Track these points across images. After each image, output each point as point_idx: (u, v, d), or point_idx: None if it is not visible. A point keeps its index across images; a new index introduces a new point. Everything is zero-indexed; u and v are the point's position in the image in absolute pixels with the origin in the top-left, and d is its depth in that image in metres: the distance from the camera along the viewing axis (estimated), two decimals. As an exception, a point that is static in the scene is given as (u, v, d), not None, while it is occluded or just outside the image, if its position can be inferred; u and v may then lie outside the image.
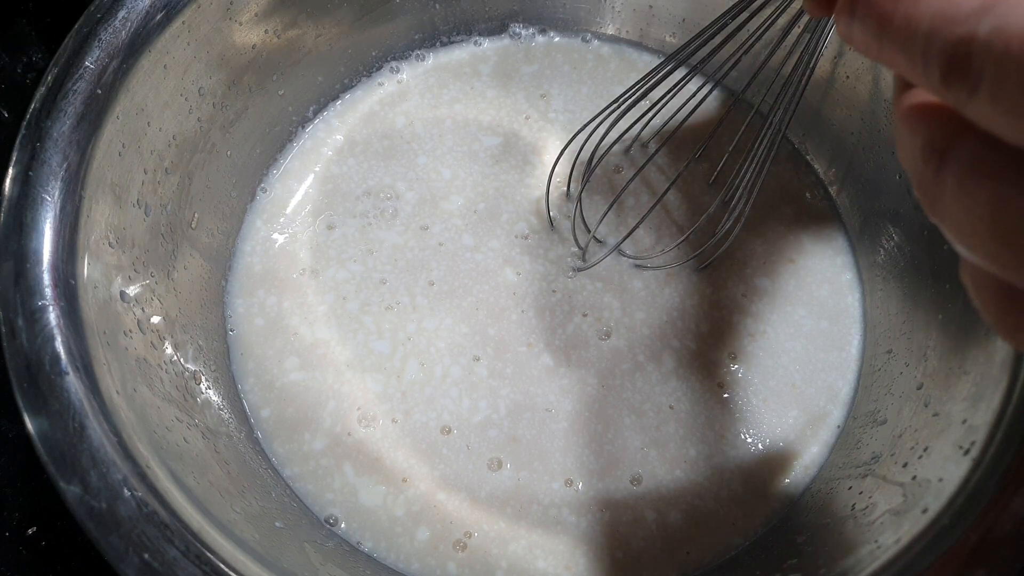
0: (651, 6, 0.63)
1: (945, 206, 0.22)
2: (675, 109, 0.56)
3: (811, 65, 0.51)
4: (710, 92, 0.55)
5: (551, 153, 0.60)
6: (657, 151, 0.56)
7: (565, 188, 0.59)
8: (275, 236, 0.57)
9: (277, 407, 0.52)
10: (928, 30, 0.21)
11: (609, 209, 0.55)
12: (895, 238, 0.54)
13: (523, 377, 0.53)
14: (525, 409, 0.52)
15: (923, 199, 0.23)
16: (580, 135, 0.55)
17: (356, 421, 0.51)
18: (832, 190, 0.59)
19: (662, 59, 0.54)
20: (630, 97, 0.53)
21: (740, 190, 0.53)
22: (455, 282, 0.56)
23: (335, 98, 0.62)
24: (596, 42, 0.65)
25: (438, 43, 0.64)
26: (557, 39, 0.65)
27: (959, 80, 0.20)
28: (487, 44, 0.65)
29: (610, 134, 0.54)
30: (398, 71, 0.63)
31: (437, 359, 0.53)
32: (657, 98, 0.54)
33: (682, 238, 0.55)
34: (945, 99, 0.21)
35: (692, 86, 0.55)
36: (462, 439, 0.51)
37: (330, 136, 0.61)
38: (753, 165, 0.53)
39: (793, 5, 0.50)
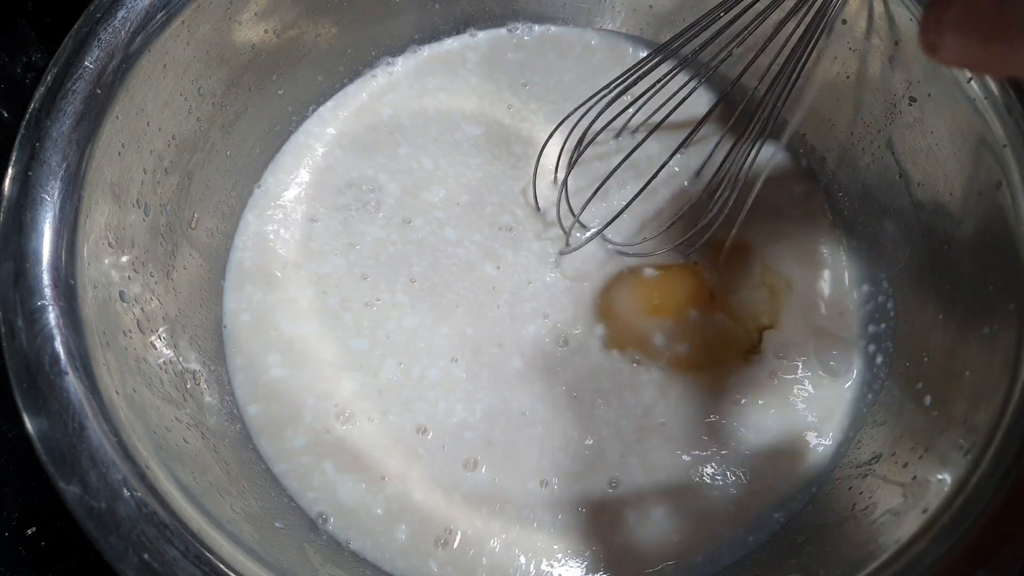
0: (651, 5, 0.63)
1: None
2: (665, 98, 0.56)
3: (803, 58, 0.51)
4: (700, 83, 0.55)
5: (536, 143, 0.59)
6: (645, 139, 0.56)
7: (553, 174, 0.59)
8: (265, 230, 0.57)
9: (264, 404, 0.52)
10: None
11: (595, 194, 0.54)
12: (895, 238, 0.54)
13: (498, 381, 0.52)
14: (500, 413, 0.51)
15: None
16: (569, 120, 0.55)
17: (335, 418, 0.51)
18: (832, 190, 0.59)
19: (651, 57, 0.54)
20: (620, 84, 0.53)
21: (725, 180, 0.53)
22: (436, 278, 0.55)
23: (334, 94, 0.62)
24: (586, 32, 0.65)
25: (439, 42, 0.64)
26: (553, 30, 0.65)
27: None
28: (481, 35, 0.64)
29: (599, 121, 0.54)
30: (392, 64, 0.63)
31: (415, 359, 0.53)
32: (648, 86, 0.54)
33: (666, 226, 0.55)
34: None
35: (683, 76, 0.55)
36: (438, 440, 0.51)
37: (324, 130, 0.61)
38: (739, 155, 0.53)
39: (784, 3, 0.51)
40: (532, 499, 0.49)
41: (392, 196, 0.58)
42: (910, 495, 0.41)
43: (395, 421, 0.51)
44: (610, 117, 0.55)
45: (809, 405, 0.53)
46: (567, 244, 0.56)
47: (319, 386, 0.52)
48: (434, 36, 0.64)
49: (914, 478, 0.42)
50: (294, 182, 0.59)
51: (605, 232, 0.56)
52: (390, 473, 0.50)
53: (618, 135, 0.60)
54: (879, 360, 0.53)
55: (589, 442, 0.51)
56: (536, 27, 0.65)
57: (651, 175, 0.53)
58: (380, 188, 0.58)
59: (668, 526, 0.49)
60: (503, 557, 0.48)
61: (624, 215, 0.54)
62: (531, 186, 0.58)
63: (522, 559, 0.48)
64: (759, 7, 0.51)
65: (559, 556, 0.48)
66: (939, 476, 0.40)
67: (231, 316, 0.54)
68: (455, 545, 0.48)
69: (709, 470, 0.51)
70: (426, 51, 0.64)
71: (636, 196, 0.55)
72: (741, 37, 0.52)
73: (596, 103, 0.53)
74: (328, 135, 0.61)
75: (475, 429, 0.51)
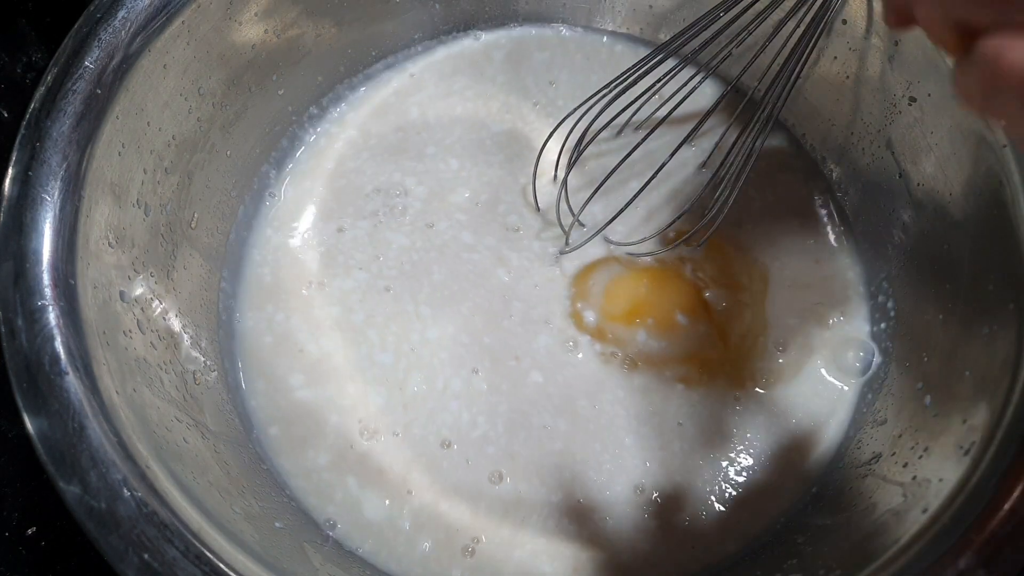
0: (651, 5, 0.63)
1: None
2: (667, 96, 0.56)
3: (802, 58, 0.51)
4: (702, 81, 0.55)
5: (553, 142, 0.59)
6: (646, 137, 0.55)
7: (553, 172, 0.59)
8: (286, 243, 0.57)
9: (284, 425, 0.51)
10: None
11: (593, 194, 0.54)
12: (895, 238, 0.54)
13: (518, 395, 0.52)
14: (520, 427, 0.51)
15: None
16: (570, 119, 0.55)
17: (358, 434, 0.51)
18: (832, 190, 0.59)
19: (653, 55, 0.54)
20: (620, 84, 0.53)
21: (725, 179, 0.53)
22: (455, 286, 0.55)
23: (340, 98, 0.62)
24: (607, 38, 0.65)
25: (438, 41, 0.64)
26: (565, 32, 0.65)
27: None
28: (489, 36, 0.64)
29: (602, 119, 0.54)
30: (405, 67, 0.63)
31: (439, 370, 0.53)
32: (648, 86, 0.54)
33: (667, 226, 0.55)
34: None
35: (685, 74, 0.55)
36: (462, 454, 0.51)
37: (343, 132, 0.61)
38: (740, 153, 0.53)
39: (784, 3, 0.51)
40: (557, 511, 0.49)
41: (419, 200, 0.58)
42: (910, 495, 0.41)
43: (419, 434, 0.51)
44: (610, 116, 0.55)
45: (809, 405, 0.53)
46: (566, 244, 0.56)
47: (342, 403, 0.52)
48: (434, 36, 0.64)
49: (914, 478, 0.42)
50: (315, 193, 0.58)
51: (605, 231, 0.56)
52: (416, 486, 0.50)
53: (619, 132, 0.60)
54: (879, 360, 0.53)
55: (609, 455, 0.51)
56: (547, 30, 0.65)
57: (651, 174, 0.53)
58: (407, 192, 0.58)
59: (688, 529, 0.49)
60: (529, 565, 0.48)
61: (624, 213, 0.54)
62: (531, 185, 0.58)
63: (548, 568, 0.48)
64: (759, 7, 0.51)
65: (587, 565, 0.48)
66: (939, 476, 0.40)
67: (248, 335, 0.54)
68: (482, 553, 0.48)
69: (713, 471, 0.51)
70: (442, 52, 0.64)
71: (634, 197, 0.55)
72: (741, 37, 0.52)
73: (596, 102, 0.53)
74: (349, 136, 0.60)
75: (496, 443, 0.51)
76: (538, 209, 0.58)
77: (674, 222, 0.55)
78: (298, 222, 0.57)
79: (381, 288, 0.55)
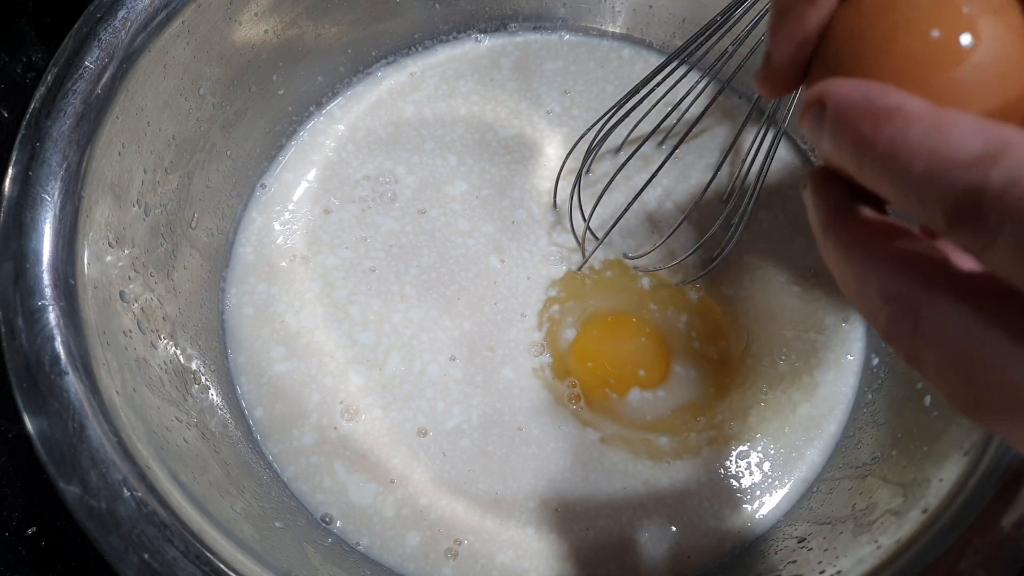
0: (651, 6, 0.63)
1: (923, 357, 0.21)
2: (684, 110, 0.56)
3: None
4: (719, 92, 0.55)
5: (565, 147, 0.59)
6: (662, 165, 0.55)
7: (571, 182, 0.59)
8: (271, 225, 0.57)
9: (268, 405, 0.52)
10: (924, 172, 0.19)
11: (598, 201, 0.54)
12: (895, 238, 0.54)
13: (490, 389, 0.52)
14: (494, 424, 0.51)
15: (894, 347, 0.22)
16: (594, 129, 0.55)
17: (340, 415, 0.51)
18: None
19: (670, 60, 0.53)
20: (645, 94, 0.53)
21: (745, 197, 0.53)
22: (443, 268, 0.56)
23: (336, 93, 0.62)
24: (619, 43, 0.65)
25: (439, 42, 0.64)
26: (568, 37, 0.65)
27: (970, 231, 0.19)
28: (493, 41, 0.64)
29: (622, 131, 0.54)
30: (405, 66, 0.63)
31: (418, 353, 0.53)
32: (660, 96, 0.54)
33: (685, 256, 0.55)
34: (948, 238, 0.20)
35: (701, 84, 0.55)
36: (437, 445, 0.51)
37: (336, 125, 0.61)
38: (756, 169, 0.53)
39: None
40: (535, 518, 0.49)
41: (410, 188, 0.58)
42: (910, 495, 0.41)
43: (397, 418, 0.51)
44: (630, 127, 0.55)
45: (809, 406, 0.53)
46: (583, 256, 0.56)
47: (324, 381, 0.52)
48: (434, 36, 0.64)
49: (914, 478, 0.42)
50: (304, 180, 0.59)
51: (626, 249, 0.56)
52: (398, 475, 0.50)
53: (640, 146, 0.58)
54: (879, 360, 0.53)
55: (581, 471, 0.50)
56: (548, 35, 0.65)
57: (668, 186, 0.52)
58: (398, 180, 0.58)
59: (676, 537, 0.49)
60: (513, 570, 0.48)
61: (640, 228, 0.54)
62: (553, 193, 0.58)
63: (532, 574, 0.48)
64: (759, 7, 0.51)
65: (571, 573, 0.48)
66: (939, 476, 0.40)
67: (232, 312, 0.54)
68: (465, 556, 0.48)
69: (709, 473, 0.51)
70: (444, 54, 0.64)
71: (633, 201, 0.55)
72: (756, 47, 0.51)
73: (616, 112, 0.53)
74: (338, 131, 0.61)
75: (471, 437, 0.51)
76: (555, 206, 0.58)
77: (691, 254, 0.55)
78: (283, 205, 0.58)
79: (366, 268, 0.56)
